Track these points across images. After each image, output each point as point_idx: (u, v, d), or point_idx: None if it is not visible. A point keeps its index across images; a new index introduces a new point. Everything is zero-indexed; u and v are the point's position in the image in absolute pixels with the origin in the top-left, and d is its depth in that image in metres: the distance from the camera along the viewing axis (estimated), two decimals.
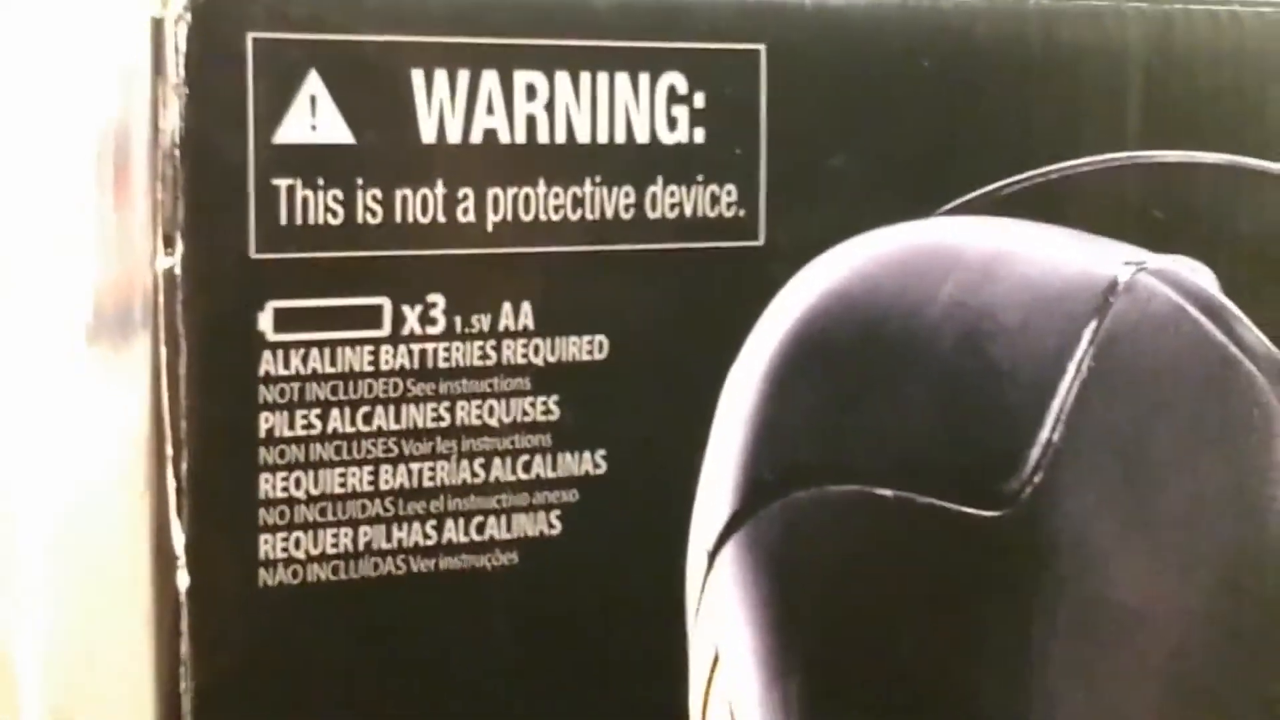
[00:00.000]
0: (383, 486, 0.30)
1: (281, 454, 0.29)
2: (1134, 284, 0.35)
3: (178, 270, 0.28)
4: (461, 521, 0.30)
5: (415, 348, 0.30)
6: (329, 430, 0.29)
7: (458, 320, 0.30)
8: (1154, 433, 0.35)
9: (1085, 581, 0.34)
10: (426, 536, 0.30)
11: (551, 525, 0.31)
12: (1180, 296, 0.35)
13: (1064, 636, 0.34)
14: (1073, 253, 0.35)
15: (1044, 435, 0.34)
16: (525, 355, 0.31)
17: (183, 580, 0.28)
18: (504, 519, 0.31)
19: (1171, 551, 0.35)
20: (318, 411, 0.29)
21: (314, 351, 0.29)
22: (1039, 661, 0.34)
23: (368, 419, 0.30)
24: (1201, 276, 0.35)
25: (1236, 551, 0.35)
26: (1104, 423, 0.34)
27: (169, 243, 0.28)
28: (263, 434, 0.29)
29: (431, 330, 0.30)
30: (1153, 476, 0.35)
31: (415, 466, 0.30)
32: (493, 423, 0.31)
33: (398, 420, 0.30)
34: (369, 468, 0.30)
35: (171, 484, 0.28)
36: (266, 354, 0.29)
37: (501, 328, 0.30)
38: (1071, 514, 0.34)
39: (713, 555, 0.32)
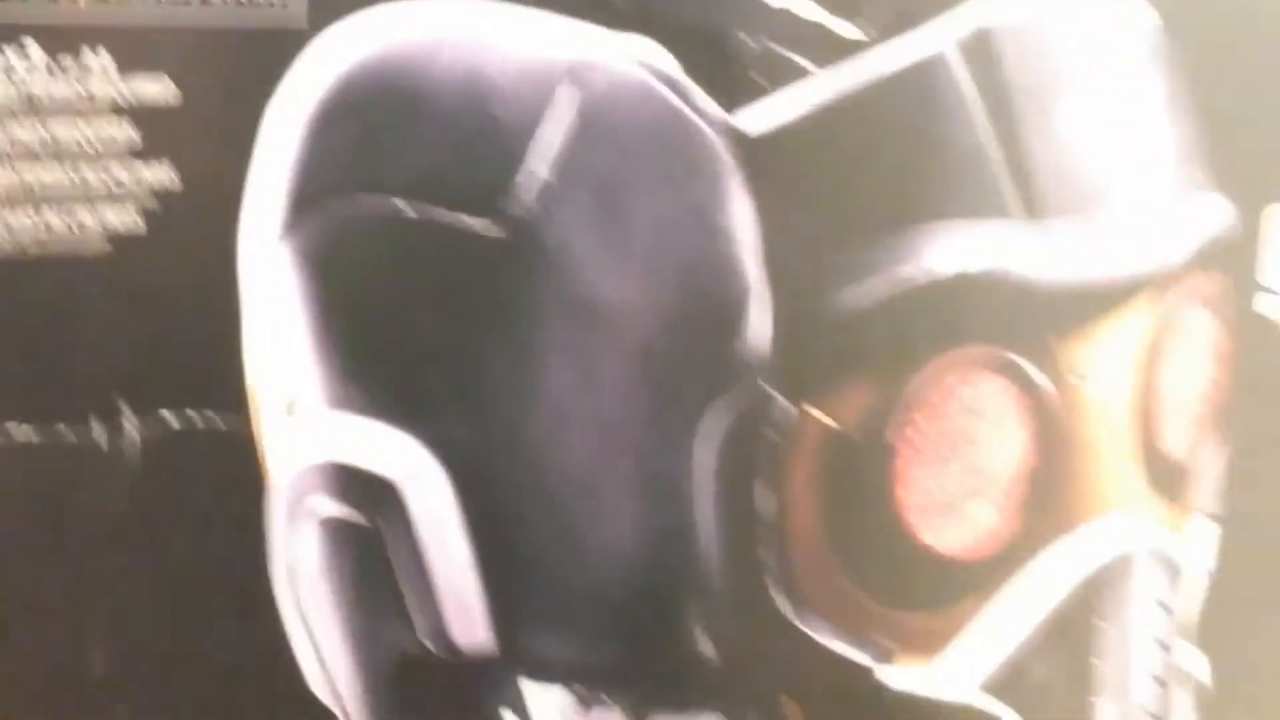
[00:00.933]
0: None
1: None
2: (605, 59, 0.45)
3: None
4: (62, 215, 0.41)
5: (18, 82, 0.40)
6: None
7: (54, 64, 0.41)
8: (628, 175, 0.46)
9: (574, 283, 0.45)
10: (45, 229, 0.41)
11: (138, 225, 0.42)
12: (645, 71, 0.46)
13: (558, 326, 0.45)
14: (557, 30, 0.45)
15: (538, 172, 0.45)
16: (109, 93, 0.41)
17: None
18: (97, 216, 0.41)
19: (643, 263, 0.45)
20: None
21: None
22: (539, 347, 0.45)
23: None
24: (660, 57, 0.46)
25: (692, 264, 0.46)
26: (586, 166, 0.45)
27: None
28: None
29: (33, 72, 0.40)
30: (627, 207, 0.45)
31: (22, 172, 0.41)
32: (84, 143, 0.41)
33: (7, 136, 0.40)
34: None
35: None
36: None
37: (91, 70, 0.41)
38: (562, 233, 0.45)
39: (266, 258, 0.43)
